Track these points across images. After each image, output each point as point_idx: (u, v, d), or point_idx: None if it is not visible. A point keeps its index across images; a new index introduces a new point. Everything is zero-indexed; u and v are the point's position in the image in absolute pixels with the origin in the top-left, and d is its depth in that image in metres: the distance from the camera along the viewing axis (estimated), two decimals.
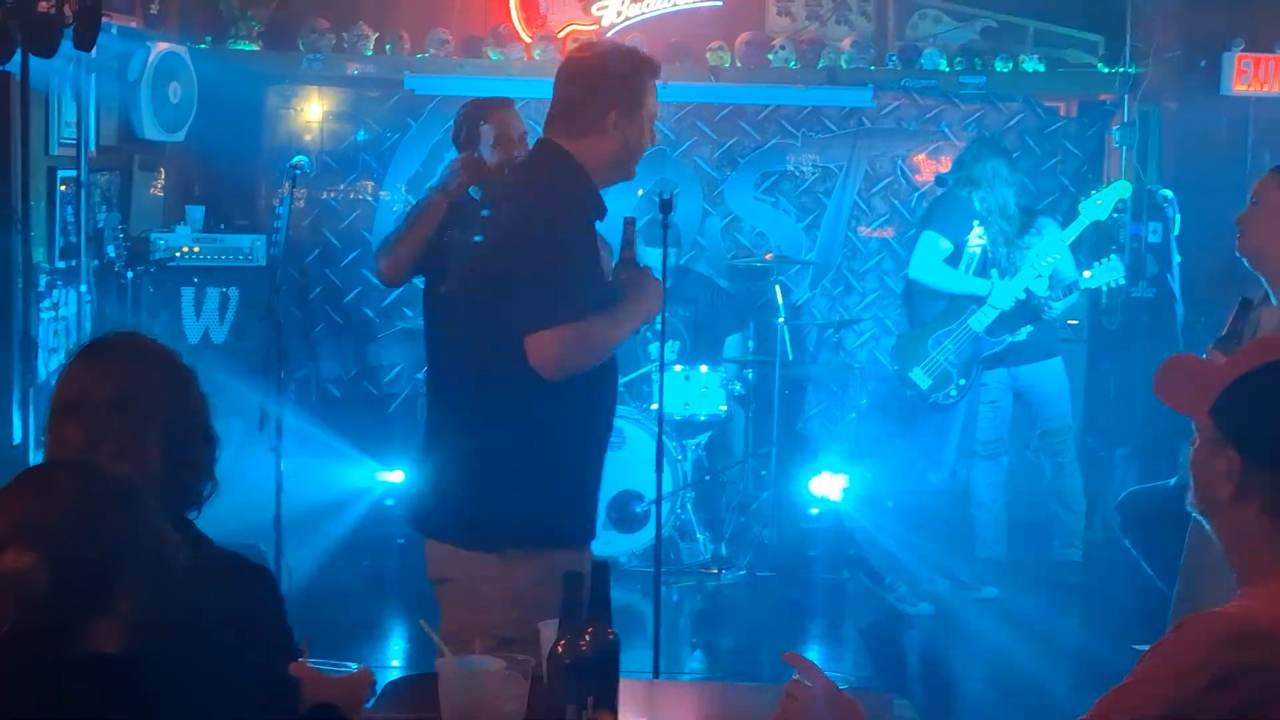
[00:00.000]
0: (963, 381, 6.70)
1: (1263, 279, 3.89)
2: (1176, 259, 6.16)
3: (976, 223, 6.67)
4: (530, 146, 4.89)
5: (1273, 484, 2.10)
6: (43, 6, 5.15)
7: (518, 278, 3.19)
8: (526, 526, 3.25)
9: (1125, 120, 7.75)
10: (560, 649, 2.55)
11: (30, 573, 1.81)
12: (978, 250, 6.69)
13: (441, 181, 4.35)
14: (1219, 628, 2.02)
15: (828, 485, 7.20)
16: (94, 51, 5.77)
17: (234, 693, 1.94)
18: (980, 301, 6.65)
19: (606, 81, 3.46)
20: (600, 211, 3.48)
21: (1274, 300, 3.83)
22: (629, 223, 3.69)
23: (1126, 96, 7.75)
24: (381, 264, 4.40)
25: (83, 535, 1.87)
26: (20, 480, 1.96)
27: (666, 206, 4.86)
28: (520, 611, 3.05)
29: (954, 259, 6.69)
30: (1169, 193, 6.28)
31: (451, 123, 5.01)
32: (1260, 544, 2.12)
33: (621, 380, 7.23)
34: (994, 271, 6.66)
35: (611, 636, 2.58)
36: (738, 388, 7.34)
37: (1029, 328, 6.69)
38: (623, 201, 7.92)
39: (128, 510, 1.93)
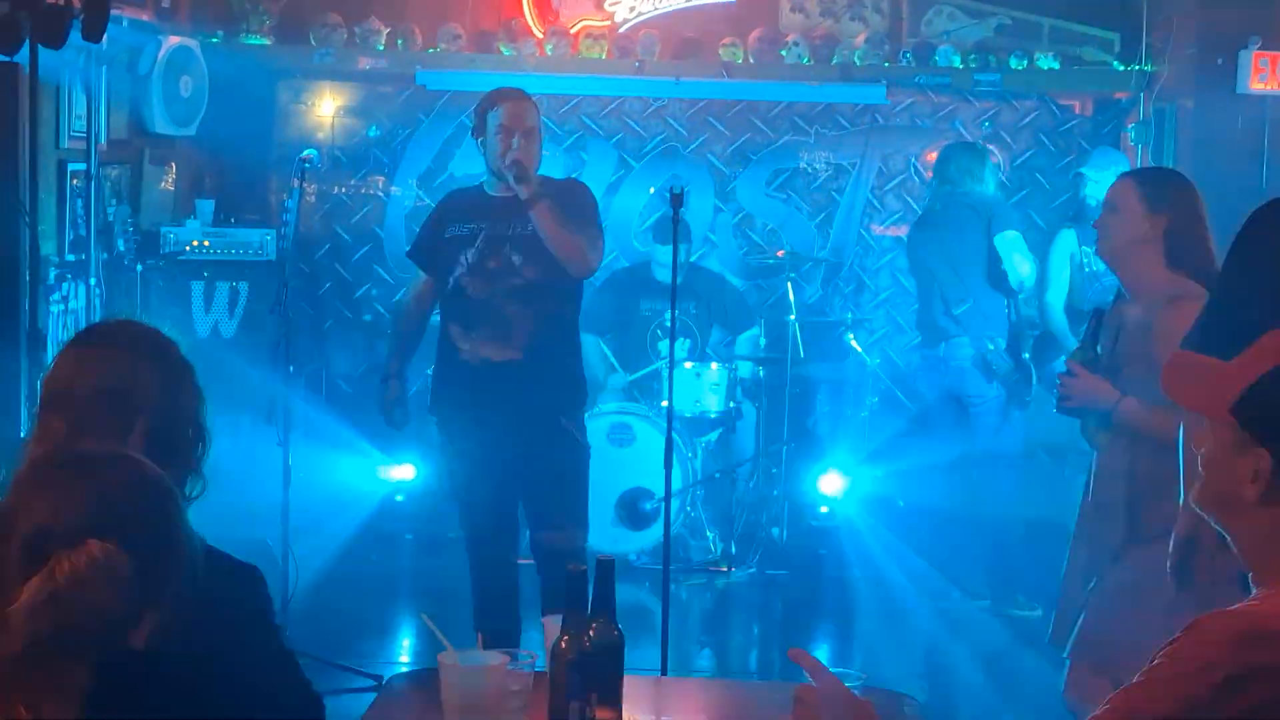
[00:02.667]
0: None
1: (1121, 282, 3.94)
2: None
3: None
4: (540, 140, 4.92)
5: None
6: None
7: None
8: None
9: (1141, 118, 7.70)
10: (564, 644, 2.53)
11: (116, 561, 1.78)
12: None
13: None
14: (1233, 628, 1.99)
15: (837, 484, 7.17)
16: (104, 44, 5.77)
17: (229, 690, 1.92)
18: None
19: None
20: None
21: (1128, 298, 3.87)
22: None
23: (1142, 94, 7.71)
24: None
25: (145, 525, 1.85)
26: (68, 471, 1.90)
27: (678, 201, 4.85)
28: None
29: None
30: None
31: (470, 115, 5.06)
32: (1277, 542, 2.08)
33: (630, 377, 7.26)
34: None
35: (616, 633, 2.56)
36: (749, 385, 7.32)
37: None
38: (634, 198, 7.98)
39: (174, 502, 1.92)
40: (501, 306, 4.84)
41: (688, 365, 6.98)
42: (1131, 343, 3.74)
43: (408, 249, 5.31)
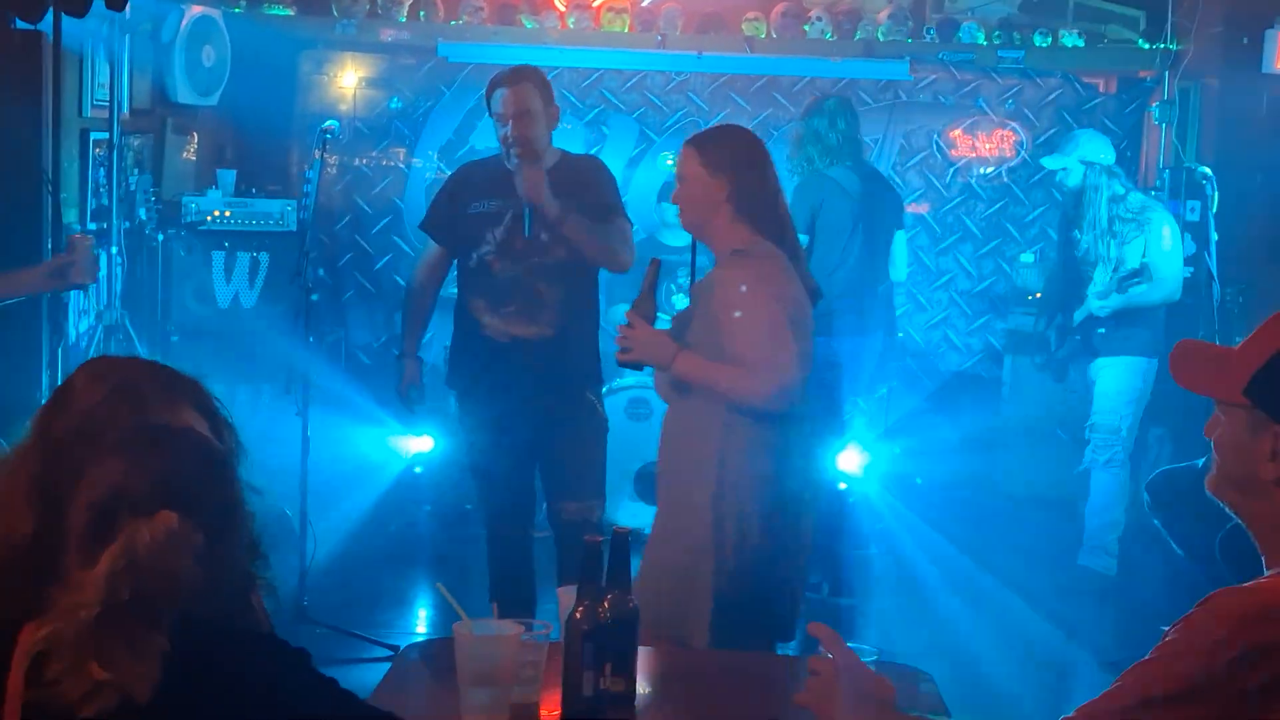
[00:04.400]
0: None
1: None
2: (1214, 238, 6.07)
3: None
4: (548, 120, 4.92)
5: None
6: None
7: None
8: None
9: (1165, 97, 7.66)
10: (579, 615, 2.54)
11: (190, 533, 1.79)
12: None
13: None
14: (1247, 604, 2.00)
15: (856, 460, 7.16)
16: (127, 12, 5.77)
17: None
18: None
19: None
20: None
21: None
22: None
23: (1167, 73, 7.66)
24: None
25: (211, 500, 1.85)
26: (139, 438, 1.87)
27: None
28: None
29: None
30: (1208, 170, 6.18)
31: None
32: None
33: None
34: None
35: (631, 604, 2.57)
36: None
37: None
38: (652, 174, 7.97)
39: (236, 481, 1.92)
40: (530, 283, 4.85)
41: None
42: (700, 300, 3.75)
43: (420, 220, 5.28)
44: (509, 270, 4.86)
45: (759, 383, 3.55)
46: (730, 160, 3.74)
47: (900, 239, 6.72)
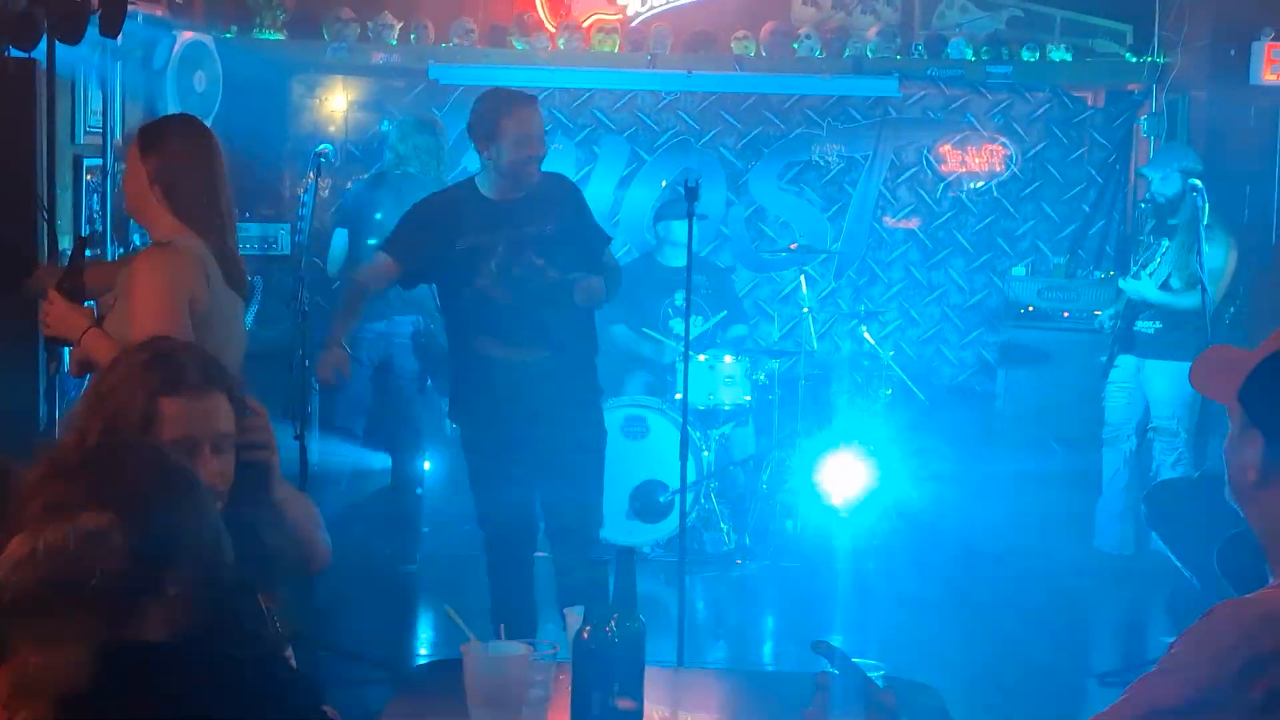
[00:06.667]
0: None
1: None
2: (1205, 249, 6.11)
3: None
4: (545, 144, 4.96)
5: None
6: None
7: None
8: None
9: (1153, 110, 7.72)
10: (585, 635, 2.55)
11: (109, 532, 1.81)
12: None
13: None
14: (1251, 613, 2.01)
15: (849, 476, 7.18)
16: (119, 39, 5.78)
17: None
18: None
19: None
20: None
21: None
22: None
23: (1155, 86, 7.72)
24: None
25: (150, 510, 1.87)
26: (91, 452, 1.96)
27: (692, 195, 4.89)
28: None
29: None
30: (1198, 182, 6.22)
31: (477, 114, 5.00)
32: None
33: (648, 376, 7.29)
34: None
35: (638, 623, 2.58)
36: (762, 378, 7.33)
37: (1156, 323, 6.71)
38: (647, 191, 7.99)
39: (189, 499, 1.93)
40: (531, 309, 4.86)
41: (701, 358, 6.99)
42: (119, 283, 3.77)
43: (378, 242, 5.23)
44: (508, 298, 4.86)
45: None
46: (165, 146, 3.79)
47: None
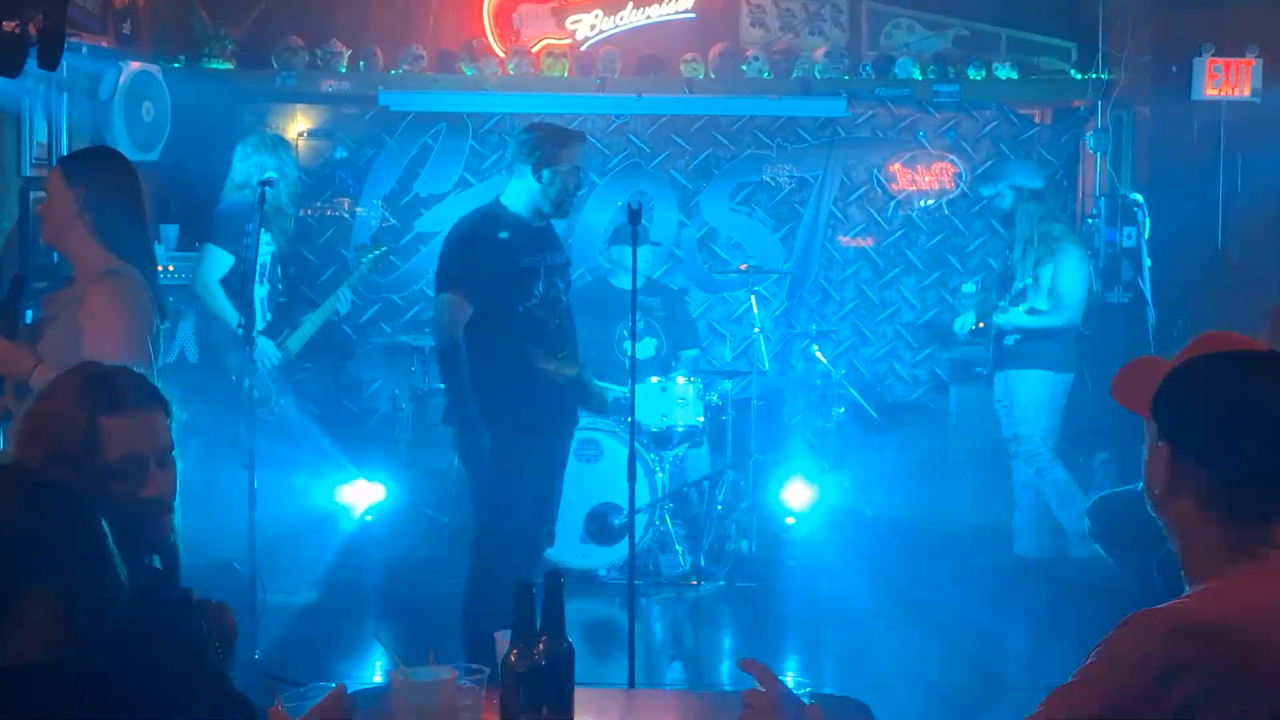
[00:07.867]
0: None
1: None
2: (1147, 263, 6.18)
3: None
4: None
5: (1201, 475, 2.11)
6: (6, 26, 5.13)
7: None
8: None
9: (1099, 126, 7.78)
10: (513, 658, 2.55)
11: None
12: None
13: None
14: (1165, 623, 2.03)
15: (804, 495, 7.20)
16: (64, 71, 5.77)
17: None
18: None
19: None
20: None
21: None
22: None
23: (1100, 102, 7.79)
24: None
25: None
26: None
27: (635, 216, 4.97)
28: None
29: None
30: (1139, 197, 6.30)
31: (527, 143, 5.17)
32: (1199, 538, 2.13)
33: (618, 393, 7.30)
34: None
35: (565, 646, 2.58)
36: (715, 399, 7.34)
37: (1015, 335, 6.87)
38: (599, 215, 8.01)
39: (42, 514, 1.92)
40: (564, 329, 5.23)
41: (654, 380, 7.01)
42: (62, 314, 3.82)
43: (452, 274, 5.08)
44: (551, 318, 5.17)
45: None
46: (88, 177, 3.84)
47: None
